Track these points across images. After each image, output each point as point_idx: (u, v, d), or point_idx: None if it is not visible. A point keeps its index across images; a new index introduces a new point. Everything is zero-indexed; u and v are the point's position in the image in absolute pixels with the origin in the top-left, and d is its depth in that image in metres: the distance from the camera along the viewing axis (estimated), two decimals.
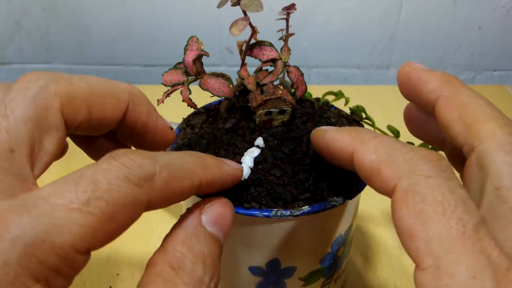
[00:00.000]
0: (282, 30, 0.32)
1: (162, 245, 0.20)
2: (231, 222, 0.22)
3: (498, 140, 0.19)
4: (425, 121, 0.25)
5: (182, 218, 0.22)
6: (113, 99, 0.23)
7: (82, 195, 0.16)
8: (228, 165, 0.23)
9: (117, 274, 0.39)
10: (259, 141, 0.29)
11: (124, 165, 0.17)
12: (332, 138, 0.23)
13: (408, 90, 0.23)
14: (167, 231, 0.47)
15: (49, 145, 0.20)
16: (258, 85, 0.31)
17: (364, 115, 0.33)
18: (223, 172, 0.22)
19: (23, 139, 0.18)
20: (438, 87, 0.22)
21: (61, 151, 0.21)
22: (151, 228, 0.44)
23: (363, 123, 0.33)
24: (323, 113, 0.33)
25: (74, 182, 0.16)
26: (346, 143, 0.22)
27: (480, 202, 0.19)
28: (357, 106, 0.32)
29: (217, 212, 0.22)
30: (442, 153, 0.21)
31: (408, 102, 0.25)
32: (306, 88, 0.32)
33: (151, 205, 0.18)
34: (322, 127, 0.25)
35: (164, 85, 0.31)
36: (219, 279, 0.20)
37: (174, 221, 0.46)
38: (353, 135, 0.22)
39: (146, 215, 0.50)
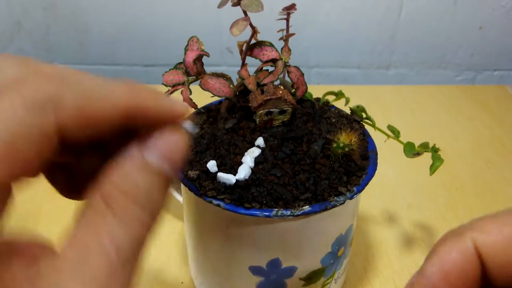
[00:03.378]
0: (282, 30, 0.32)
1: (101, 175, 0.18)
2: (182, 154, 0.19)
3: None
4: None
5: (127, 149, 0.19)
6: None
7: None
8: (166, 97, 0.20)
9: None
10: (260, 141, 0.29)
11: (20, 91, 0.15)
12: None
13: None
14: (167, 230, 0.48)
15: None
16: (258, 85, 0.31)
17: (364, 115, 0.33)
18: (158, 100, 0.19)
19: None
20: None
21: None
22: None
23: (364, 123, 0.33)
24: (323, 113, 0.33)
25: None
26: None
27: None
28: (358, 106, 0.32)
29: (164, 142, 0.19)
30: None
31: None
32: (307, 88, 0.32)
33: (66, 131, 0.17)
34: None
35: (165, 85, 0.31)
36: (159, 210, 0.18)
37: (175, 221, 0.46)
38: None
39: None
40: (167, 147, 0.19)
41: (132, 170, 0.18)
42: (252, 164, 0.27)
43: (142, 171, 0.18)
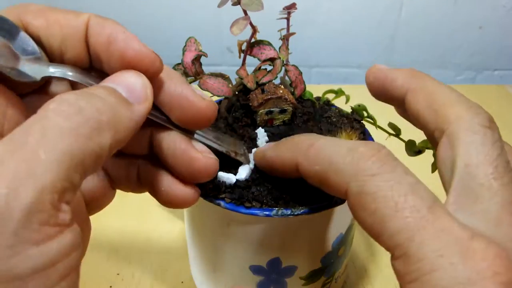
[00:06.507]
0: (282, 29, 0.32)
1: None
2: (145, 89, 0.20)
3: (465, 122, 0.20)
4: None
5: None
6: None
7: None
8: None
9: (117, 274, 0.39)
10: (261, 132, 0.29)
11: None
12: (272, 157, 0.24)
13: (378, 90, 0.25)
14: (167, 230, 0.48)
15: None
16: (258, 84, 0.31)
17: (365, 114, 0.33)
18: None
19: None
20: (406, 82, 0.23)
21: None
22: (151, 228, 0.44)
23: (364, 122, 0.33)
24: (324, 112, 0.33)
25: None
26: (288, 159, 0.22)
27: (451, 180, 0.20)
28: (359, 105, 0.32)
29: (123, 77, 0.20)
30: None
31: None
32: (305, 87, 0.32)
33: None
34: (260, 148, 0.26)
35: None
36: (115, 137, 0.18)
37: (175, 220, 0.46)
38: (291, 148, 0.22)
39: (146, 215, 0.50)
40: (127, 81, 0.20)
41: (90, 91, 0.18)
42: (252, 165, 0.27)
43: (98, 90, 0.18)
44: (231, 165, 0.27)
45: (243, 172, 0.27)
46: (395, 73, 0.24)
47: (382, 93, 0.25)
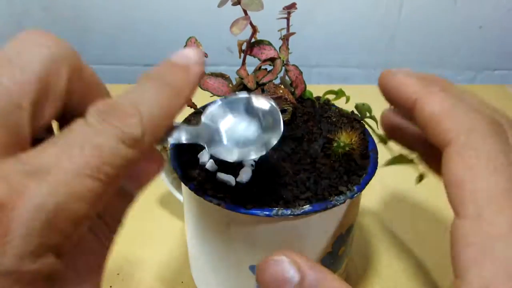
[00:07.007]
0: (282, 29, 0.32)
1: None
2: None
3: (461, 142, 0.20)
4: (400, 127, 0.26)
5: None
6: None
7: (91, 160, 0.15)
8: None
9: (117, 274, 0.39)
10: None
11: (118, 127, 0.17)
12: (401, 81, 0.23)
13: (388, 95, 0.24)
14: (167, 230, 0.47)
15: (47, 112, 0.19)
16: (259, 84, 0.31)
17: (368, 114, 0.33)
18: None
19: (31, 96, 0.18)
20: (414, 92, 0.22)
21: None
22: (151, 228, 0.44)
23: (364, 122, 0.33)
24: (324, 112, 0.33)
25: (79, 146, 0.16)
26: (414, 89, 0.22)
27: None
28: (363, 104, 0.32)
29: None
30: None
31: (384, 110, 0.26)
32: (305, 87, 0.32)
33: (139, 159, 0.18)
34: (394, 69, 0.24)
35: None
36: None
37: (174, 220, 0.46)
38: (423, 83, 0.22)
39: (146, 215, 0.49)
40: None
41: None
42: (252, 165, 0.27)
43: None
44: (232, 167, 0.27)
45: (245, 175, 0.27)
46: (406, 79, 0.23)
47: (392, 101, 0.24)
